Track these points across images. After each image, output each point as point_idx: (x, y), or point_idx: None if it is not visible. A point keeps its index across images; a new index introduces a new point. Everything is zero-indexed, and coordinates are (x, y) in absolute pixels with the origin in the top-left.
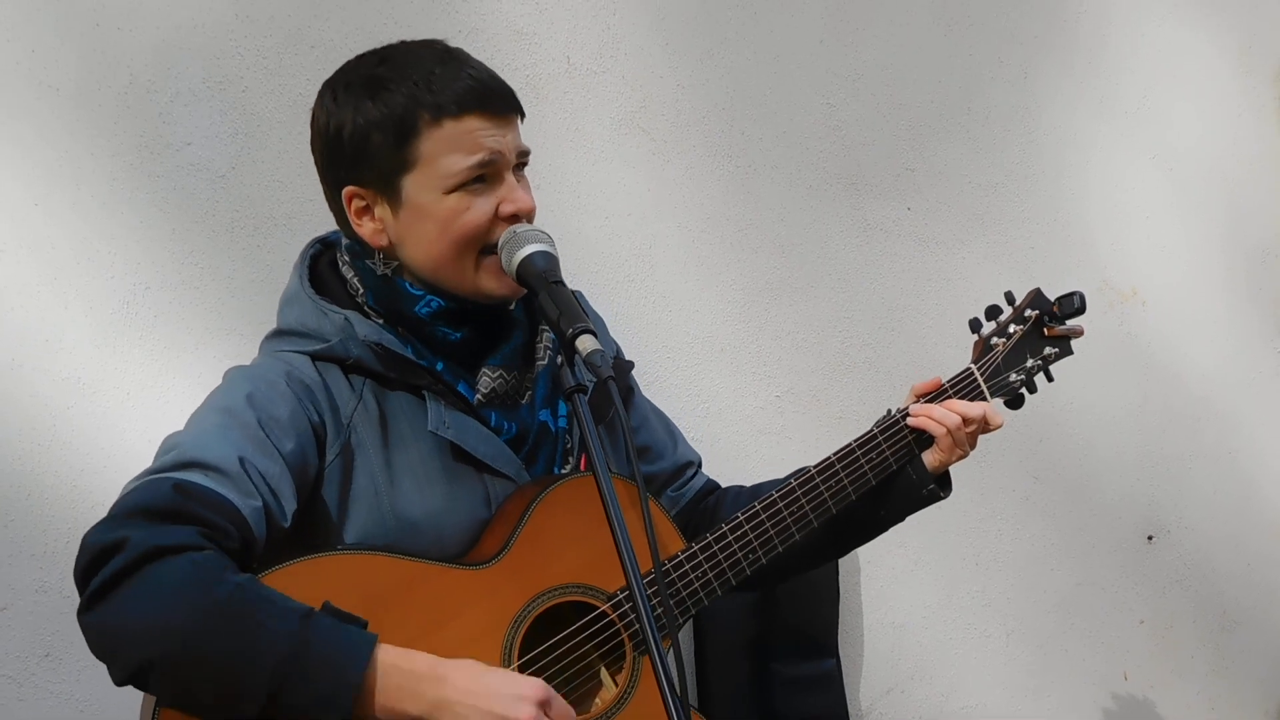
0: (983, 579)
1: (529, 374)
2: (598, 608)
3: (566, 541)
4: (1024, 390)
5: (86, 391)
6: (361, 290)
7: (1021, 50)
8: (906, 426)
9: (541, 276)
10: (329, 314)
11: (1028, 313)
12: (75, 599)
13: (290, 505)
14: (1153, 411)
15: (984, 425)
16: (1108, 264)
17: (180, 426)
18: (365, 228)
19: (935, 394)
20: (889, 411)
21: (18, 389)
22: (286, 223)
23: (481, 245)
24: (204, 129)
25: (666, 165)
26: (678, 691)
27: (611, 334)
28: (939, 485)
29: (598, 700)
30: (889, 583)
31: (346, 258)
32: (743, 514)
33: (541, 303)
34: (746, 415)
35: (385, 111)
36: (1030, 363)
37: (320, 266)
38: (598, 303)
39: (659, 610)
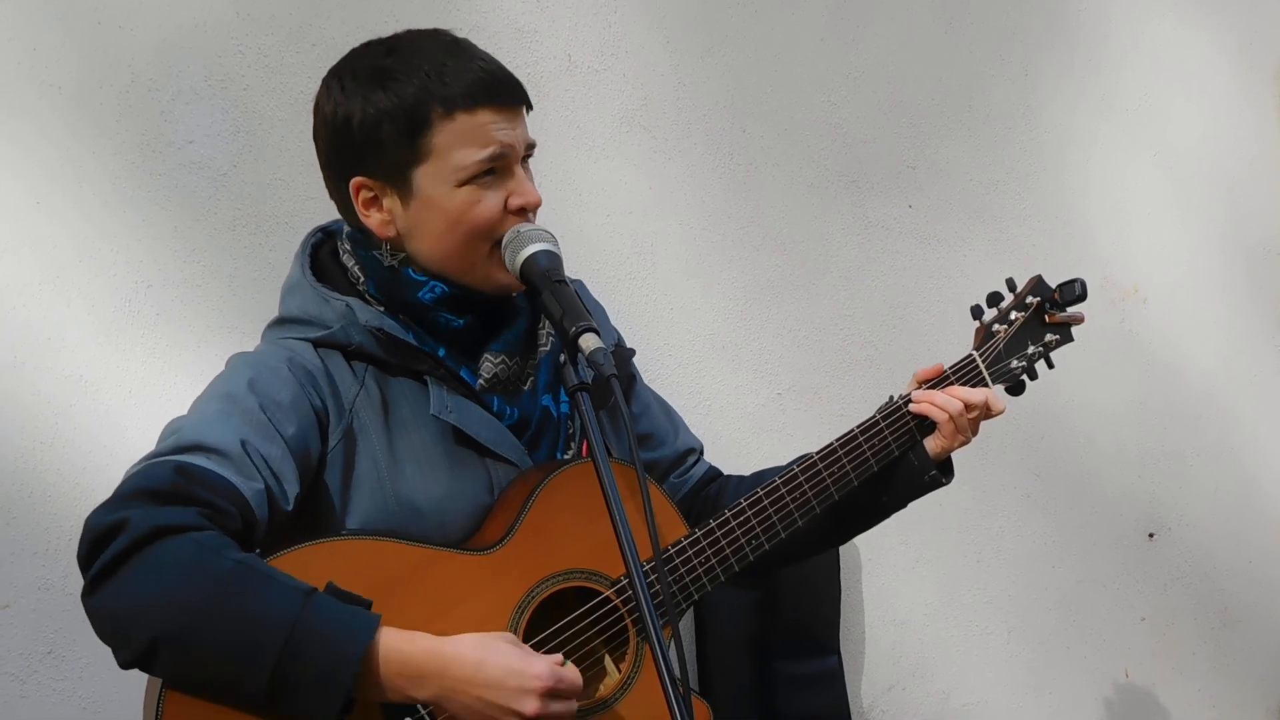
0: (984, 576)
1: (531, 360)
2: (601, 593)
3: (570, 527)
4: (1025, 377)
5: (89, 389)
6: (363, 278)
7: (1022, 48)
8: (909, 412)
9: (545, 275)
10: (330, 301)
11: (1029, 299)
12: (78, 597)
13: (292, 489)
14: (1154, 409)
15: (986, 411)
16: (1109, 261)
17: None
18: (373, 218)
19: (937, 380)
20: (891, 398)
21: (20, 387)
22: (288, 220)
23: (491, 239)
24: (206, 127)
25: (668, 163)
26: (677, 677)
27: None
28: (941, 471)
29: (601, 686)
30: (890, 580)
31: (348, 246)
32: (745, 499)
33: (545, 302)
34: (748, 413)
35: (396, 102)
36: (1032, 349)
37: (321, 255)
38: (599, 300)
39: (659, 598)
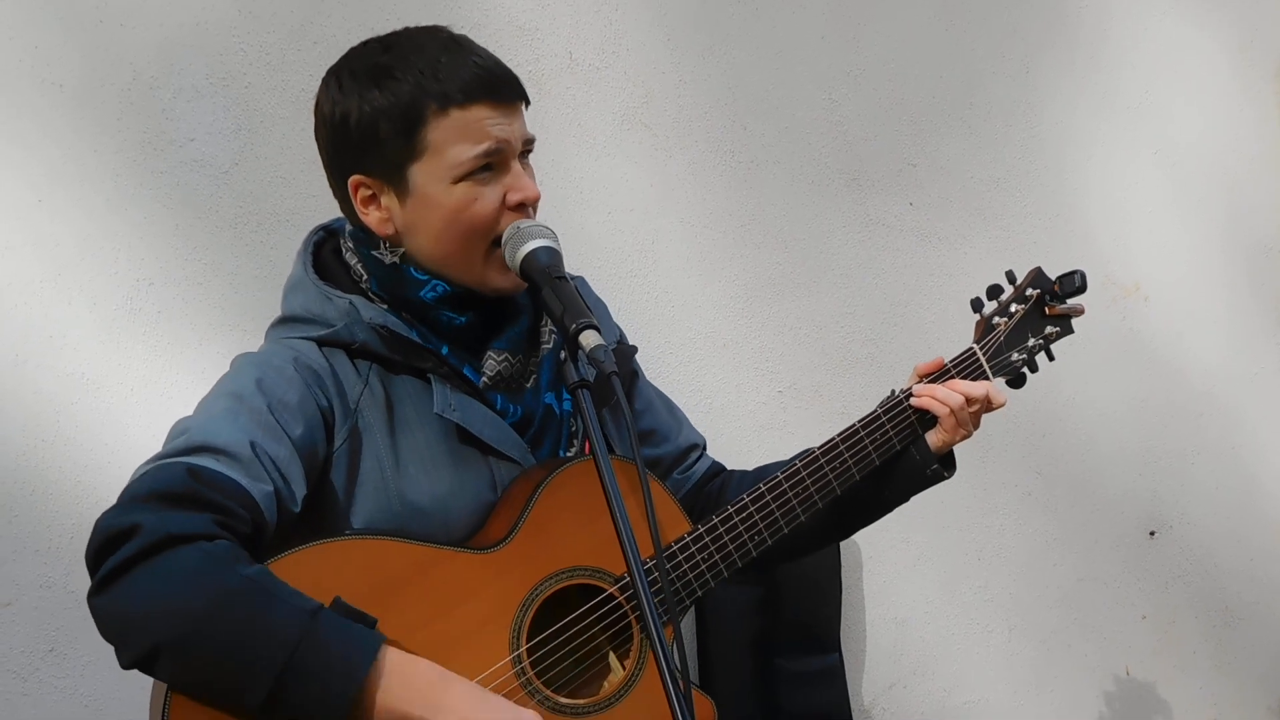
0: (985, 574)
1: (534, 358)
2: (605, 590)
3: (573, 524)
4: (1026, 369)
5: (90, 387)
6: (365, 276)
7: (1023, 46)
8: (910, 406)
9: (545, 272)
10: (333, 299)
11: (1029, 292)
12: (80, 595)
13: (300, 490)
14: (1155, 407)
15: (987, 404)
16: (1110, 259)
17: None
18: (371, 216)
19: (938, 373)
20: (893, 391)
21: (22, 385)
22: (290, 218)
23: (490, 237)
24: (207, 125)
25: (669, 161)
26: (678, 675)
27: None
28: (943, 465)
29: (605, 683)
30: (892, 578)
31: (350, 244)
32: (748, 495)
33: (545, 298)
34: (748, 410)
35: (392, 100)
36: (1032, 341)
37: (324, 253)
38: (600, 298)
39: (660, 597)
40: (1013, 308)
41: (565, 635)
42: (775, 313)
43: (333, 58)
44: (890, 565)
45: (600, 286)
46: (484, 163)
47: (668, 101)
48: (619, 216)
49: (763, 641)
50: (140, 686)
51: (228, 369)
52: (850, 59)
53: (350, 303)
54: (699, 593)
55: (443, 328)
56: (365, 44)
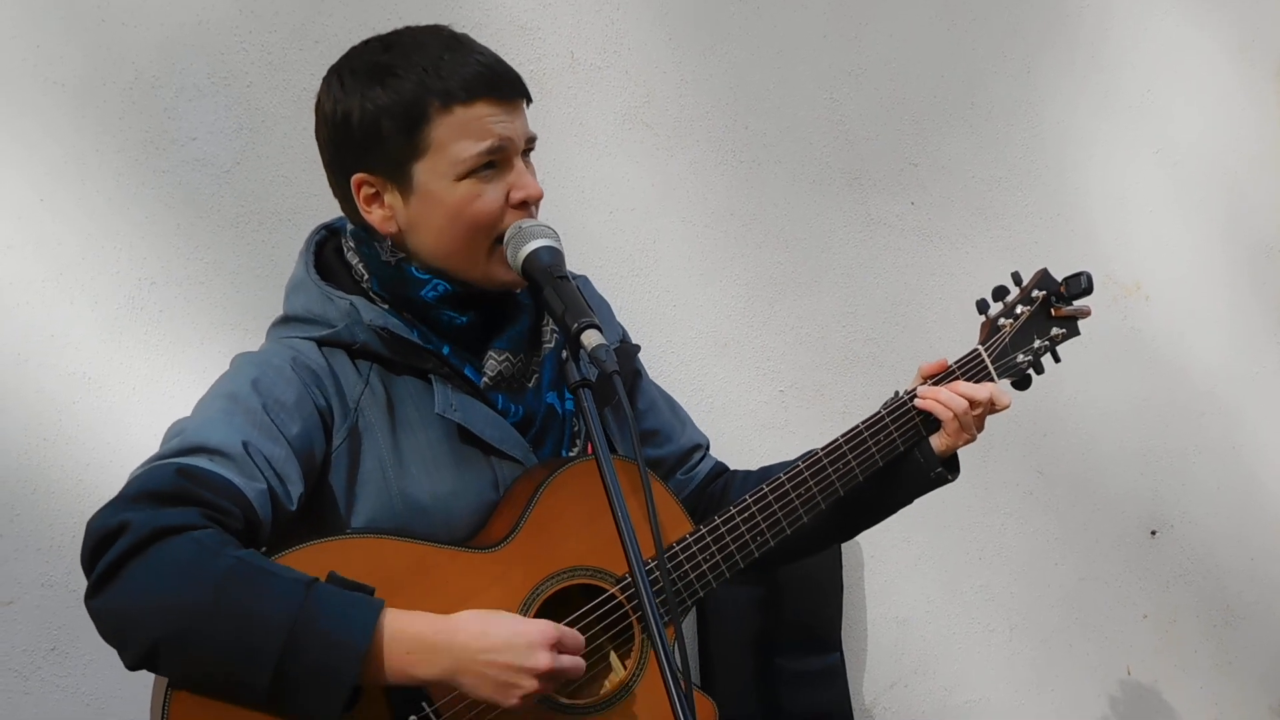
0: (986, 574)
1: (535, 357)
2: (606, 590)
3: (575, 524)
4: (1031, 371)
5: (92, 387)
6: (367, 276)
7: (1024, 45)
8: (914, 409)
9: (546, 272)
10: (334, 299)
11: (1035, 293)
12: (81, 593)
13: (296, 489)
14: (1156, 406)
15: (991, 407)
16: (1111, 259)
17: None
18: (374, 215)
19: (942, 375)
20: (896, 393)
21: (23, 384)
22: (291, 217)
23: (493, 234)
24: (209, 124)
25: (670, 160)
26: (679, 675)
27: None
28: (947, 468)
29: (606, 683)
30: (893, 577)
31: (352, 244)
32: (750, 496)
33: (547, 298)
34: (750, 410)
35: (395, 98)
36: (1038, 343)
37: (325, 253)
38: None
39: (661, 597)
40: (1018, 309)
41: None
42: (777, 312)
43: (334, 57)
44: (891, 564)
45: (602, 286)
46: (487, 160)
47: (669, 101)
48: (621, 216)
49: (764, 641)
50: (142, 685)
51: (227, 368)
52: (852, 58)
53: (351, 303)
54: (700, 593)
55: (444, 328)
56: (366, 43)
